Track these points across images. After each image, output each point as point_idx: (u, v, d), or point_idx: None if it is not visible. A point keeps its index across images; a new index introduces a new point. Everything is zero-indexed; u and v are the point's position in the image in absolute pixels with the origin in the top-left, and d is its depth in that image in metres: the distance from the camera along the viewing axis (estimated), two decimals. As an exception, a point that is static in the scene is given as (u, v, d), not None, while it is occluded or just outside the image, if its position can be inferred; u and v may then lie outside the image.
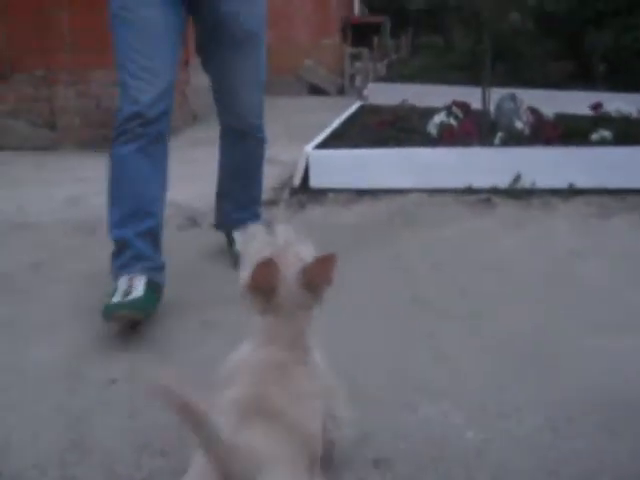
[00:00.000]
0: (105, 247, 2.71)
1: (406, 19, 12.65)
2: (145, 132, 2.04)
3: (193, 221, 2.96)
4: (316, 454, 1.19)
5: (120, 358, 1.84)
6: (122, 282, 2.03)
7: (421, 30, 12.09)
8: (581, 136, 3.59)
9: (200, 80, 5.85)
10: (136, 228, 2.09)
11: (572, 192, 3.22)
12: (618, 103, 4.11)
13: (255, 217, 2.51)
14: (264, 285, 1.24)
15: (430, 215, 3.01)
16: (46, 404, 1.64)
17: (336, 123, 4.43)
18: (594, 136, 3.56)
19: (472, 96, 4.13)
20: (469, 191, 3.23)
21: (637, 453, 1.45)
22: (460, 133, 3.59)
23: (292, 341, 1.26)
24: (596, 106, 4.13)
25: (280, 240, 1.29)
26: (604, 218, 2.99)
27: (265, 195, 3.20)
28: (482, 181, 3.24)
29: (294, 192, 3.30)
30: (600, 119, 3.95)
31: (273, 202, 3.22)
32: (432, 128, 3.81)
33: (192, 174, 3.47)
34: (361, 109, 5.35)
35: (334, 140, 3.90)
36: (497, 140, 3.55)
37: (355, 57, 8.38)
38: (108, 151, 2.13)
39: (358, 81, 7.64)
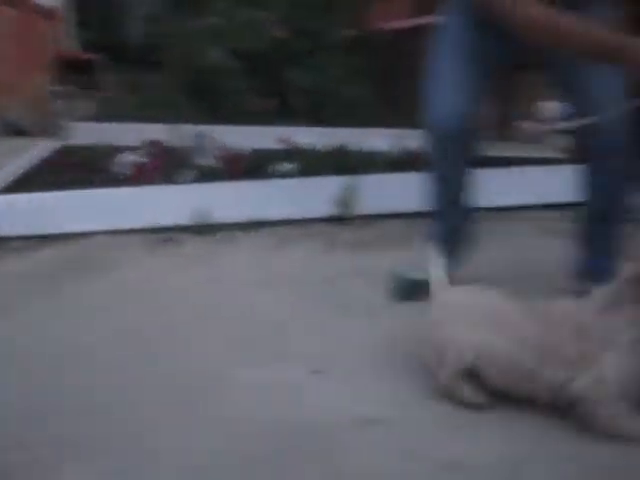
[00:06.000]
0: None
1: (124, 56, 12.46)
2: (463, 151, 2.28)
3: None
4: None
5: None
6: None
7: (139, 67, 11.95)
8: (267, 169, 3.72)
9: None
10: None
11: (256, 224, 3.30)
12: (307, 136, 4.33)
13: None
14: None
15: (110, 257, 2.91)
16: None
17: (27, 165, 4.18)
18: (279, 168, 3.70)
19: (172, 134, 4.12)
20: (154, 230, 3.18)
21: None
22: (148, 171, 3.54)
23: None
24: (285, 140, 4.31)
25: None
26: (285, 248, 3.09)
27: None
28: (167, 219, 3.22)
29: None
30: (290, 152, 4.13)
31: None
32: (123, 167, 3.73)
33: None
34: (58, 150, 5.11)
35: (24, 183, 3.68)
36: (185, 177, 3.55)
37: (62, 95, 8.03)
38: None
39: (63, 120, 7.33)
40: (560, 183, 3.31)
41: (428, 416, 1.71)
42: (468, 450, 1.56)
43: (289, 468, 1.50)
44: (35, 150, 4.84)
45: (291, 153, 4.11)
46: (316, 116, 6.01)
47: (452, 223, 2.44)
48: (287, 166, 3.69)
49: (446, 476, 1.48)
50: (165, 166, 3.65)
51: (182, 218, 3.23)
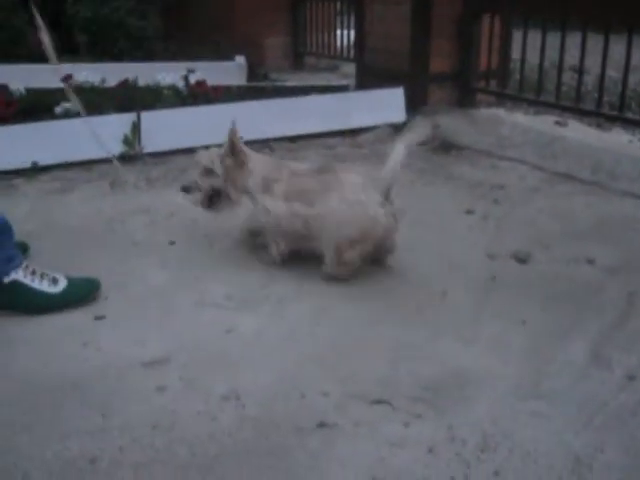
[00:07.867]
0: None
1: None
2: None
3: None
4: None
5: None
6: None
7: None
8: (46, 111, 3.51)
9: None
10: None
11: (36, 170, 3.13)
12: (86, 73, 4.12)
13: None
14: None
15: None
16: None
17: None
18: (58, 109, 3.51)
19: None
20: None
21: None
22: None
23: None
24: (66, 78, 4.07)
25: None
26: (68, 192, 2.97)
27: None
28: None
29: None
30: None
31: None
32: None
33: None
34: None
35: None
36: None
37: None
38: None
39: None
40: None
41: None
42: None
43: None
44: None
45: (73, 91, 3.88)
46: (101, 51, 5.74)
47: None
48: (66, 105, 3.49)
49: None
50: None
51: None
